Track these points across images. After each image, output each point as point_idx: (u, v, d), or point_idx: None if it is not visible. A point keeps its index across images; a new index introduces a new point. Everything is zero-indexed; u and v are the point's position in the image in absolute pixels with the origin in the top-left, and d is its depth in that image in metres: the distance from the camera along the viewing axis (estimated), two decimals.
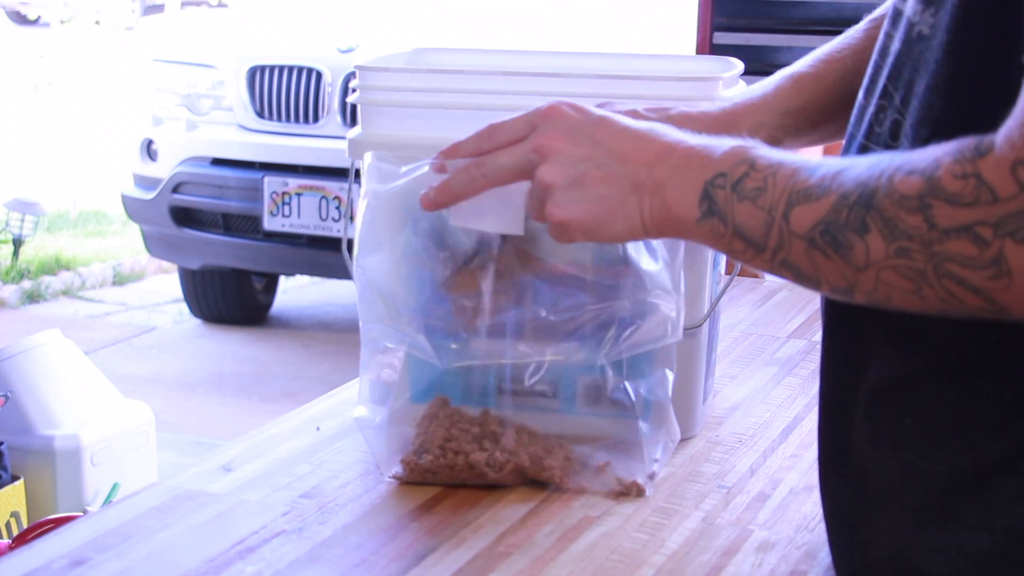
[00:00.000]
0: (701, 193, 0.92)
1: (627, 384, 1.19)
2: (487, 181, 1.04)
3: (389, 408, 1.18)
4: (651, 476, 1.19)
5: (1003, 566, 0.87)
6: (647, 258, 1.15)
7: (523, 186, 1.06)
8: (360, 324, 1.18)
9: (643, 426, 1.19)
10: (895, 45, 0.94)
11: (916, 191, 0.79)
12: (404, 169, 1.15)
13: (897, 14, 0.95)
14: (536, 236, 1.15)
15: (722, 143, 0.93)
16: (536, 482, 1.18)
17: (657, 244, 1.16)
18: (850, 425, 0.95)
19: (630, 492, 1.17)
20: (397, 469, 1.18)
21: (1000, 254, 0.76)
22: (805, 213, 0.85)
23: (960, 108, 0.86)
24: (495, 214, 1.08)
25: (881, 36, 0.97)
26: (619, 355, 1.16)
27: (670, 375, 1.19)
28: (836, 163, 0.86)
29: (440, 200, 1.06)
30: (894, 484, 0.92)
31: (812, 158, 0.89)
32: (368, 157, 1.17)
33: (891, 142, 0.91)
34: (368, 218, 1.16)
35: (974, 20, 0.85)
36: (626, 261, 1.15)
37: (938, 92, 0.87)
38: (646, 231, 0.97)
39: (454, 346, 1.16)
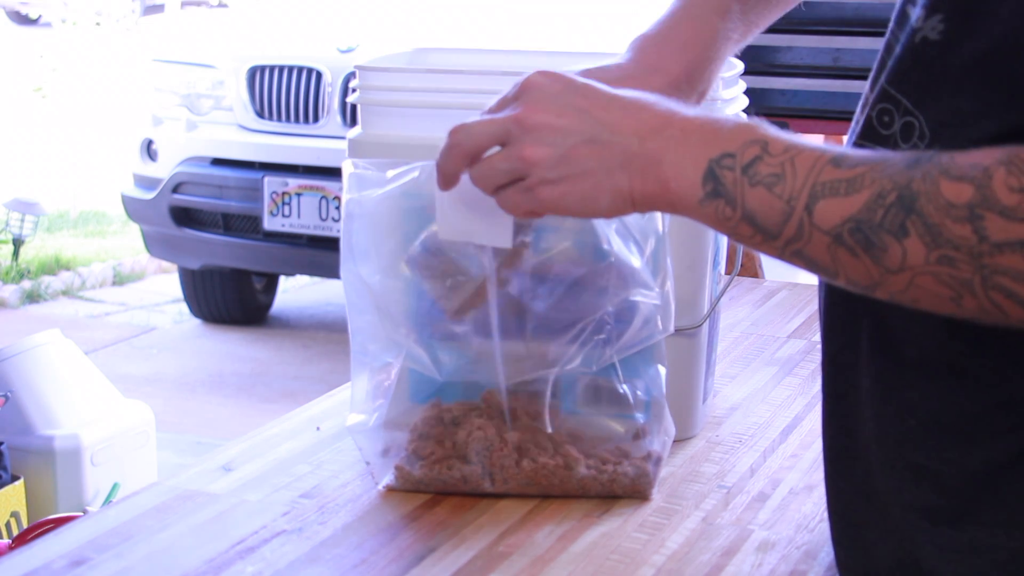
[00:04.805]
0: (704, 172, 0.86)
1: (624, 385, 1.18)
2: (460, 150, 0.96)
3: (383, 416, 1.17)
4: (657, 461, 1.18)
5: (1020, 564, 0.87)
6: (628, 252, 1.14)
7: None
8: (350, 333, 1.17)
9: (642, 422, 1.19)
10: (897, 49, 0.93)
11: (965, 200, 0.77)
12: (391, 174, 1.14)
13: (903, 16, 0.94)
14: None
15: (725, 119, 0.89)
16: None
17: (639, 236, 1.15)
18: (855, 425, 0.95)
19: (642, 472, 1.17)
20: (390, 478, 1.17)
21: None
22: (832, 207, 0.81)
23: (993, 110, 0.84)
24: (483, 227, 1.06)
25: (887, 35, 0.96)
26: (610, 359, 1.15)
27: (662, 370, 1.18)
28: (864, 155, 0.83)
29: (440, 183, 1.00)
30: (902, 485, 0.91)
31: (830, 145, 0.85)
32: (348, 166, 1.16)
33: (903, 144, 0.90)
34: (353, 227, 1.14)
35: (996, 28, 0.84)
36: (609, 257, 1.13)
37: (965, 95, 0.85)
38: (634, 205, 0.91)
39: (449, 358, 1.15)
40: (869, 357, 0.93)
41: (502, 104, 0.97)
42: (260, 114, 4.83)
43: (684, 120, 0.89)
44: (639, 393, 1.18)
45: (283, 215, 4.66)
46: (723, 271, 1.41)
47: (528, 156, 0.92)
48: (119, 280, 6.29)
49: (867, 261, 0.81)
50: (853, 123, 0.98)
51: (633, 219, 1.14)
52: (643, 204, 0.91)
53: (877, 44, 0.98)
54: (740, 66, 1.35)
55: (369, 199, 1.14)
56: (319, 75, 4.74)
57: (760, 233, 0.85)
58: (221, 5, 10.52)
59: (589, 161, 0.91)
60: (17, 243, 6.15)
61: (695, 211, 0.88)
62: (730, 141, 0.86)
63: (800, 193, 0.83)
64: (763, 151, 0.85)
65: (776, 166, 0.84)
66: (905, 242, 0.79)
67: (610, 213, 0.93)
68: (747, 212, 0.85)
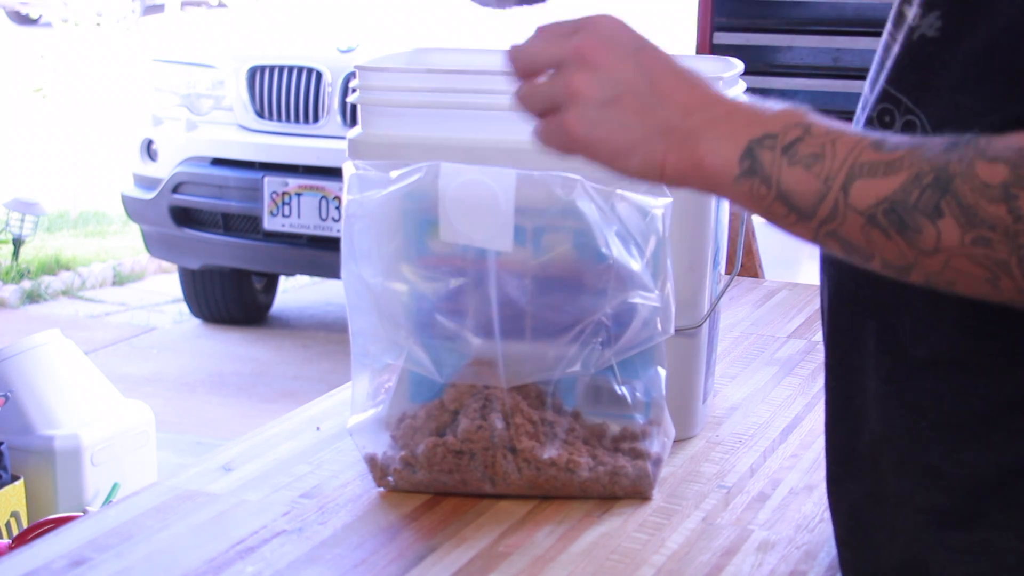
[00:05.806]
0: (743, 150, 0.85)
1: (623, 387, 1.18)
2: (517, 66, 0.93)
3: (384, 417, 1.17)
4: (657, 461, 1.18)
5: None
6: (628, 255, 1.14)
7: (512, 201, 1.05)
8: (350, 335, 1.17)
9: (642, 423, 1.19)
10: (896, 49, 0.93)
11: (1000, 179, 0.77)
12: (393, 175, 1.14)
13: (900, 17, 0.94)
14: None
15: (771, 105, 0.88)
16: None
17: (639, 238, 1.15)
18: (863, 426, 0.95)
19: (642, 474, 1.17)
20: (390, 479, 1.17)
21: None
22: (869, 188, 0.81)
23: (995, 104, 0.84)
24: (484, 230, 1.06)
25: (884, 36, 0.96)
26: (609, 361, 1.15)
27: (662, 372, 1.18)
28: (904, 139, 0.82)
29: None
30: (912, 486, 0.91)
31: (871, 131, 0.85)
32: (349, 167, 1.16)
33: None
34: (354, 228, 1.14)
35: (995, 22, 0.84)
36: (607, 259, 1.13)
37: (966, 90, 0.86)
38: (663, 176, 0.89)
39: (449, 360, 1.15)
40: (877, 358, 0.92)
41: (558, 30, 0.93)
42: (260, 114, 4.84)
43: (731, 103, 0.88)
44: (639, 394, 1.18)
45: (283, 215, 4.66)
46: (723, 271, 1.41)
47: (574, 86, 0.89)
48: (119, 280, 6.29)
49: (901, 243, 0.80)
50: (853, 124, 0.97)
51: (634, 221, 1.14)
52: (673, 178, 0.89)
53: (877, 44, 0.98)
54: (740, 66, 1.35)
55: (371, 200, 1.14)
56: (319, 75, 4.74)
57: (794, 212, 0.84)
58: (221, 5, 10.53)
59: (632, 117, 0.89)
60: (17, 243, 6.15)
61: (729, 189, 0.87)
62: (773, 123, 0.86)
63: (838, 173, 0.82)
64: (805, 132, 0.84)
65: (816, 147, 0.84)
66: (939, 223, 0.79)
67: (638, 175, 0.90)
68: (782, 191, 0.84)
